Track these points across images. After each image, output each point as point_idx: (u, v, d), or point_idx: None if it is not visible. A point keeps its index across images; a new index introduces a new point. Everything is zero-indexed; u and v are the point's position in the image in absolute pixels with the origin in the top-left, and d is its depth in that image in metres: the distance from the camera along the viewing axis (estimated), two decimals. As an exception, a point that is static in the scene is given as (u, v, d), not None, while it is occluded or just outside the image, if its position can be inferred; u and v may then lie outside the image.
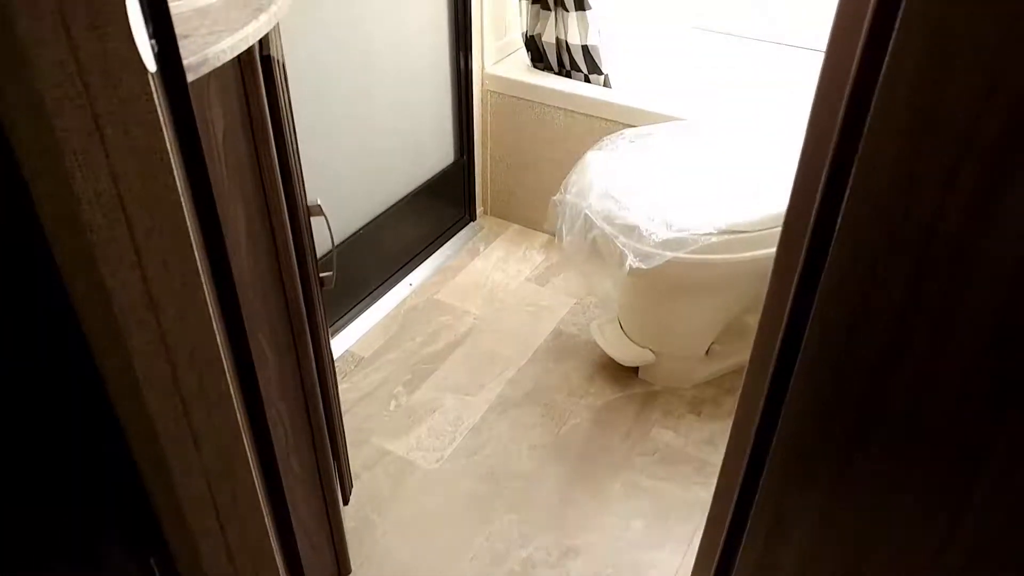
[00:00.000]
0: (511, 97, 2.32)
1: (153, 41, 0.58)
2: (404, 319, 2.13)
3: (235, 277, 1.00)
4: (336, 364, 1.99)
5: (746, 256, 1.62)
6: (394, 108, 2.06)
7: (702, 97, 2.56)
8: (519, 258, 2.37)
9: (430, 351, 2.03)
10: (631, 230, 1.61)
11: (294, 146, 1.18)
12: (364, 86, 1.93)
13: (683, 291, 1.78)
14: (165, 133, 0.60)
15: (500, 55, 2.37)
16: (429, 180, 2.28)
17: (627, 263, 1.60)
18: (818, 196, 0.68)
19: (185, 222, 0.65)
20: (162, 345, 0.69)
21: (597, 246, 1.70)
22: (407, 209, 2.22)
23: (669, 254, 1.58)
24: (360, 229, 2.06)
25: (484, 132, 2.43)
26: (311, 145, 1.81)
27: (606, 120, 2.17)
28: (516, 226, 2.51)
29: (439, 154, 2.31)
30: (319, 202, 1.14)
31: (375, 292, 2.18)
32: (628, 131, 1.90)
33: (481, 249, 2.41)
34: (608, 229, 1.64)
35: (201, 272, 0.68)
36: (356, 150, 1.97)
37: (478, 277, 2.29)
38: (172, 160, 0.61)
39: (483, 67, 2.32)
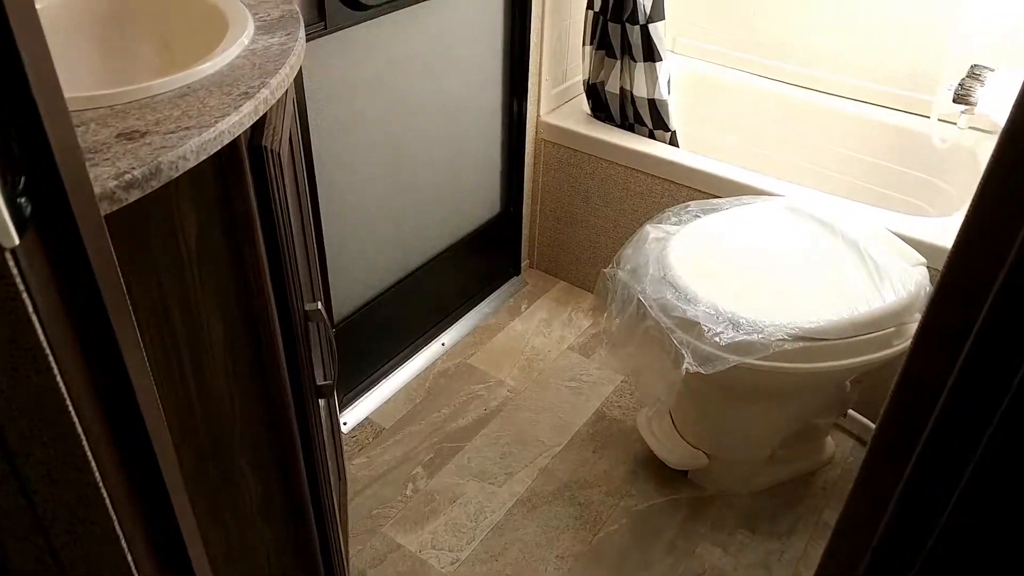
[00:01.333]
0: (566, 148, 2.13)
1: (23, 200, 0.41)
2: (432, 385, 1.95)
3: (208, 394, 0.82)
4: (354, 434, 1.82)
5: (824, 366, 1.39)
6: (440, 155, 1.88)
7: (787, 166, 2.32)
8: (563, 321, 2.17)
9: (457, 426, 1.84)
10: (691, 326, 1.40)
11: (312, 237, 1.01)
12: (409, 130, 1.76)
13: (748, 397, 1.56)
14: (36, 322, 0.42)
15: (557, 102, 2.18)
16: (473, 231, 2.10)
17: (684, 364, 1.38)
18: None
19: (75, 427, 0.47)
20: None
21: (650, 338, 1.49)
22: (447, 262, 2.05)
23: (734, 358, 1.36)
24: (395, 284, 1.89)
25: (535, 182, 2.24)
26: (347, 193, 1.65)
27: (670, 182, 1.96)
28: (563, 283, 2.31)
29: (485, 204, 2.13)
30: (320, 307, 0.96)
31: (405, 351, 2.00)
32: (694, 204, 1.69)
33: (523, 308, 2.22)
34: (664, 321, 1.43)
35: (101, 481, 0.50)
36: (396, 198, 1.80)
37: (517, 341, 2.09)
38: (48, 355, 0.44)
39: (538, 114, 2.13)
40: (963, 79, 1.83)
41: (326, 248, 1.64)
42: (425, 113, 1.79)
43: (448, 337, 2.09)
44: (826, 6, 2.15)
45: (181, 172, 0.65)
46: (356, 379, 1.88)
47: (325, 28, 1.45)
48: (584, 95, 2.15)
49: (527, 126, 2.10)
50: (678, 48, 2.47)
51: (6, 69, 0.39)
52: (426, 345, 2.05)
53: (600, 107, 2.12)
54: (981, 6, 1.87)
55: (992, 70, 1.82)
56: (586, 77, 2.10)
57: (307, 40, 1.38)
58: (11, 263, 0.39)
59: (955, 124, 1.96)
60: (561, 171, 2.17)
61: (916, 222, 1.70)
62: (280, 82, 0.78)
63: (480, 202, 2.11)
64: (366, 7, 1.50)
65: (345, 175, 1.64)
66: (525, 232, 2.30)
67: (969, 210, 0.54)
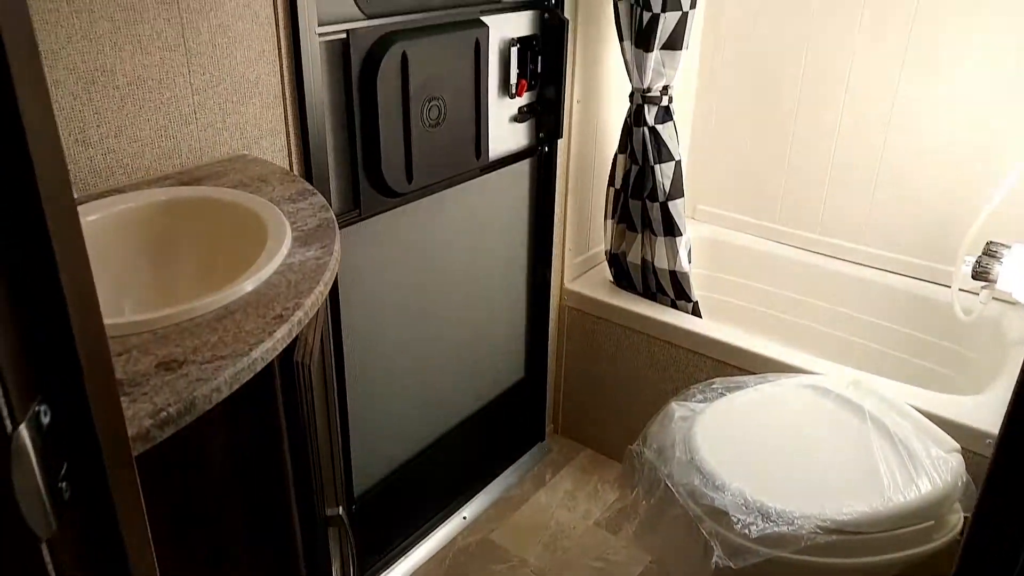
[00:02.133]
0: (590, 315, 2.16)
1: (64, 484, 0.42)
2: (451, 565, 1.89)
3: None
4: (370, 616, 1.75)
5: (860, 562, 1.33)
6: (465, 321, 1.92)
7: (809, 333, 2.34)
8: (589, 493, 2.12)
9: (478, 609, 1.77)
10: (720, 515, 1.36)
11: (338, 436, 1.02)
12: (435, 300, 1.80)
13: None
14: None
15: (580, 270, 2.24)
16: (495, 398, 2.10)
17: (713, 558, 1.33)
18: None
19: None
20: None
21: (678, 523, 1.45)
22: (470, 429, 2.03)
23: (765, 551, 1.31)
24: (417, 454, 1.88)
25: (559, 349, 2.26)
26: (373, 363, 1.67)
27: (694, 352, 1.97)
28: (589, 451, 2.28)
29: (509, 370, 2.14)
30: (340, 512, 0.95)
31: (425, 526, 1.95)
32: (719, 380, 1.68)
33: (547, 477, 2.17)
34: (693, 510, 1.39)
35: None
36: (421, 367, 1.82)
37: (541, 515, 2.04)
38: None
39: (562, 282, 2.18)
40: (980, 256, 1.86)
41: (349, 420, 1.64)
42: (451, 284, 1.84)
43: (470, 510, 2.04)
44: (843, 176, 2.23)
45: (215, 404, 0.67)
46: (373, 558, 1.82)
47: (359, 215, 1.53)
48: (607, 263, 2.20)
49: (551, 293, 2.14)
50: (698, 215, 2.55)
51: (58, 362, 0.41)
52: (447, 519, 2.00)
53: (623, 276, 2.16)
54: (997, 184, 1.93)
55: (1008, 247, 1.85)
56: (608, 248, 2.16)
57: (341, 227, 1.45)
58: (46, 555, 0.40)
59: (977, 295, 1.97)
60: (585, 338, 2.19)
61: (947, 401, 1.67)
62: (314, 302, 0.82)
63: (504, 368, 2.12)
64: (398, 194, 1.58)
65: (371, 346, 1.67)
66: (549, 398, 2.29)
67: (1015, 393, 0.53)
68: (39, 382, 0.41)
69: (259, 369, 0.72)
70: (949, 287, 2.05)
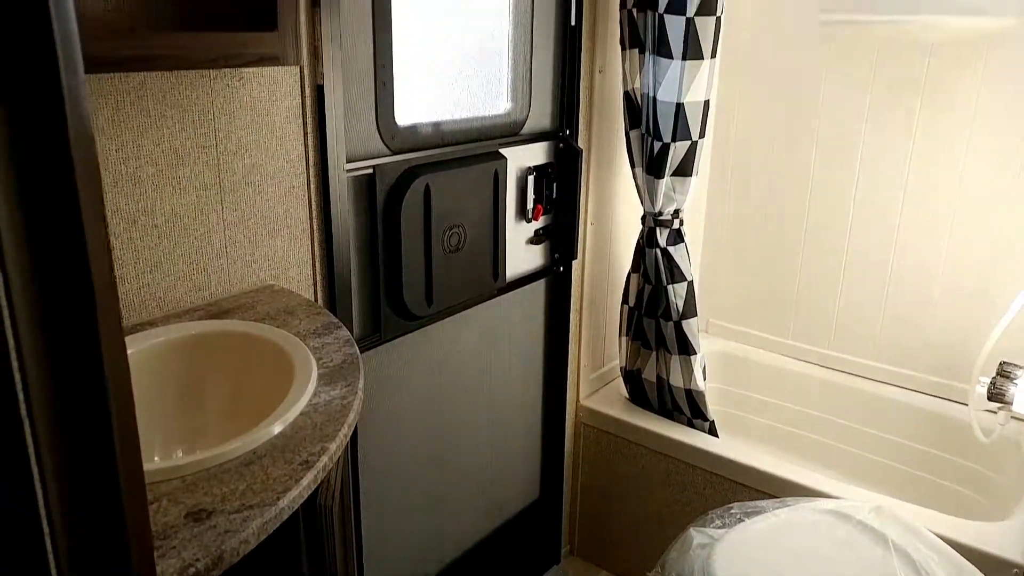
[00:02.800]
0: (606, 432, 2.15)
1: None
2: None
3: None
4: None
5: None
6: (480, 441, 1.92)
7: (826, 450, 2.32)
8: (606, 618, 2.05)
9: None
10: (742, 653, 1.32)
11: (355, 571, 1.01)
12: (451, 419, 1.81)
13: None
14: None
15: (596, 386, 2.25)
16: (510, 519, 2.08)
17: None
18: None
19: None
20: None
21: (699, 660, 1.40)
22: (483, 553, 2.00)
23: None
24: (428, 580, 1.84)
25: (574, 467, 2.24)
26: (388, 482, 1.66)
27: (712, 473, 1.95)
28: (605, 574, 2.22)
29: (523, 491, 2.12)
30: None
31: (437, 654, 1.89)
32: (738, 505, 1.66)
33: (563, 601, 2.12)
34: (713, 645, 1.35)
35: None
36: (435, 487, 1.81)
37: (557, 641, 1.97)
38: None
39: (577, 398, 2.19)
40: (994, 377, 1.86)
41: (364, 545, 1.62)
42: (467, 402, 1.86)
43: (483, 636, 1.98)
44: (853, 292, 2.26)
45: (242, 556, 0.68)
46: None
47: (380, 339, 1.56)
48: (622, 380, 2.21)
49: (567, 410, 2.15)
50: (711, 329, 2.57)
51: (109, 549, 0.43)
52: (460, 646, 1.94)
53: (638, 393, 2.17)
54: (1008, 302, 1.95)
55: (1021, 368, 1.85)
56: (623, 364, 2.18)
57: (362, 351, 1.48)
58: None
59: (995, 413, 1.96)
60: (601, 456, 2.18)
61: (972, 528, 1.64)
62: (339, 445, 0.84)
63: (519, 489, 2.10)
64: (418, 317, 1.62)
65: (386, 469, 1.67)
66: (565, 518, 2.26)
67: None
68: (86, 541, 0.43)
69: (285, 517, 0.73)
70: (967, 405, 2.04)
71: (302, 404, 0.91)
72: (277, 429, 0.86)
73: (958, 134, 2.02)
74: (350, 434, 0.89)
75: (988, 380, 1.87)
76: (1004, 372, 1.85)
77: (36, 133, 0.38)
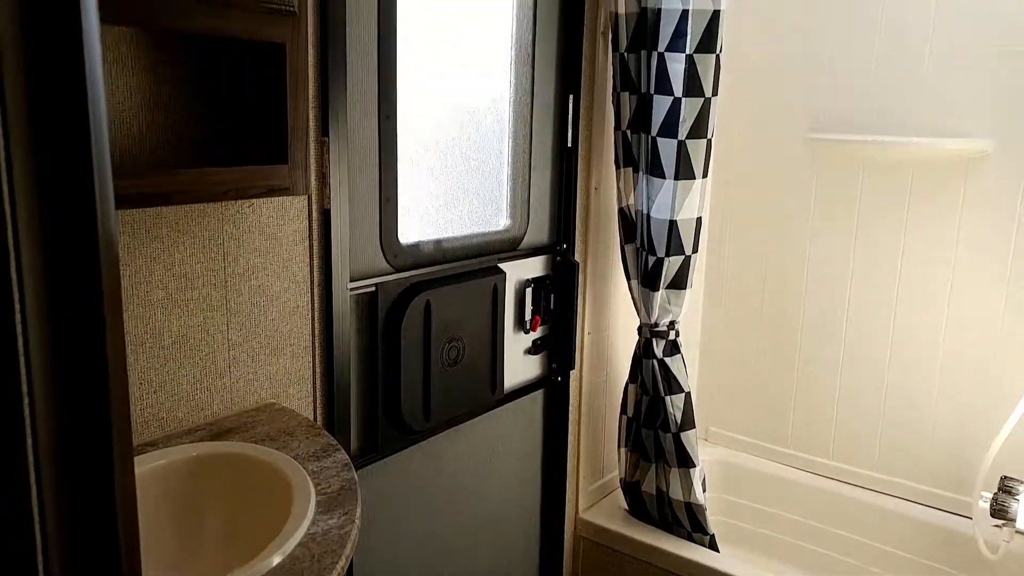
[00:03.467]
0: (605, 547, 2.12)
1: None
2: None
3: None
4: None
5: None
6: (475, 556, 1.88)
7: (828, 563, 2.27)
8: None
9: None
10: None
11: None
12: (447, 532, 1.79)
13: None
14: None
15: (595, 498, 2.23)
16: (508, 637, 2.02)
17: None
18: None
19: None
20: None
21: None
22: (479, 675, 1.93)
23: None
24: None
25: (574, 581, 2.20)
26: (377, 615, 1.62)
27: (713, 590, 1.91)
28: None
29: (522, 606, 2.07)
30: None
31: None
32: (740, 628, 1.62)
33: None
34: None
35: None
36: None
37: None
38: None
39: (576, 511, 2.17)
40: (996, 493, 1.85)
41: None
42: (464, 515, 1.83)
43: None
44: (851, 402, 2.27)
45: None
46: None
47: (378, 455, 1.56)
48: (622, 492, 2.19)
49: (565, 523, 2.12)
50: (711, 438, 2.56)
51: None
52: None
53: (638, 505, 2.15)
54: (1008, 418, 1.96)
55: (1023, 483, 1.84)
56: (623, 475, 2.16)
57: (359, 468, 1.49)
58: None
59: (1000, 528, 1.93)
60: (600, 570, 2.13)
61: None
62: (336, 578, 0.84)
63: (517, 604, 2.05)
64: (416, 432, 1.63)
65: (383, 590, 1.64)
66: (564, 635, 2.19)
67: None
68: None
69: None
70: (971, 518, 2.02)
71: (300, 534, 0.91)
72: (276, 561, 0.86)
73: (947, 248, 2.08)
74: (347, 565, 0.89)
75: (991, 496, 1.85)
76: (1006, 487, 1.84)
77: (71, 275, 0.42)
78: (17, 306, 0.40)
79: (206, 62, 1.17)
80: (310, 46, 1.28)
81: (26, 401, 0.40)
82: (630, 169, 1.98)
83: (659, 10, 1.80)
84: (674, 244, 1.92)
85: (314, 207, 1.37)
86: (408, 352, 1.56)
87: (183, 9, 0.98)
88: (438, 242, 1.66)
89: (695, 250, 1.97)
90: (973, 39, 2.00)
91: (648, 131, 1.88)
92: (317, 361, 1.42)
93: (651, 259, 1.94)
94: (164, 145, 1.15)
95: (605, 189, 2.08)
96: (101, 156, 0.43)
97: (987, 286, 2.03)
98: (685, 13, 1.76)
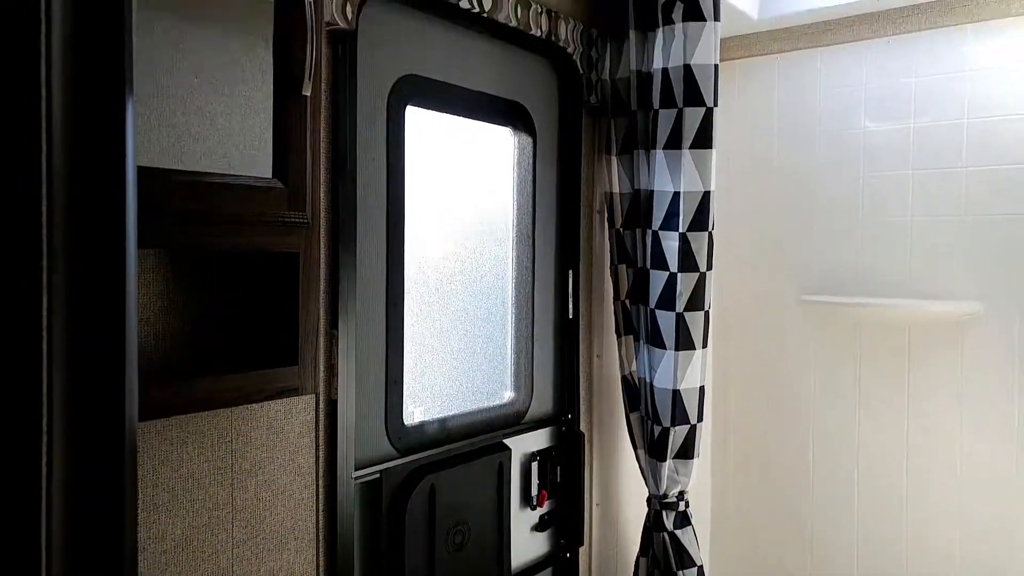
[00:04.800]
0: None
1: None
2: None
3: None
4: None
5: None
6: None
7: None
8: None
9: None
10: None
11: None
12: None
13: None
14: None
15: None
16: None
17: None
18: None
19: None
20: None
21: None
22: None
23: None
24: None
25: None
26: None
27: None
28: None
29: None
30: None
31: None
32: None
33: None
34: None
35: None
36: None
37: None
38: None
39: None
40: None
41: None
42: None
43: None
44: (869, 565, 2.19)
45: None
46: None
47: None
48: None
49: None
50: (727, 610, 2.45)
51: None
52: None
53: None
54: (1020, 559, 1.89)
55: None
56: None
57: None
58: None
59: None
60: None
61: None
62: None
63: None
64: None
65: None
66: None
67: None
68: None
69: None
70: None
71: None
72: None
73: (951, 407, 2.08)
74: None
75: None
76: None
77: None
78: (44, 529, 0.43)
79: (222, 270, 1.22)
80: (323, 247, 1.34)
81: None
82: (631, 337, 2.02)
83: (651, 192, 1.90)
84: (679, 414, 1.92)
85: (321, 399, 1.39)
86: (412, 539, 1.53)
87: (208, 231, 1.04)
88: (443, 421, 1.66)
89: (700, 419, 1.97)
90: (952, 206, 2.09)
91: (647, 303, 1.93)
92: (321, 554, 1.39)
93: (657, 429, 1.94)
94: (179, 348, 1.18)
95: (607, 357, 2.10)
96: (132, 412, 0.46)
97: (996, 443, 2.01)
98: (677, 195, 1.86)
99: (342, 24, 1.35)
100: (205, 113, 1.05)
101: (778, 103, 2.38)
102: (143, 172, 0.95)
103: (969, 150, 2.07)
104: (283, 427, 1.33)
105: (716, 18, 1.83)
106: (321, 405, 1.39)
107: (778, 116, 2.38)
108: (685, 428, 1.94)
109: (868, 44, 2.22)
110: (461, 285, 1.76)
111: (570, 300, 2.00)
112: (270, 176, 1.11)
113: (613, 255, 2.03)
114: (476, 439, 1.72)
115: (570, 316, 2.00)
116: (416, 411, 1.62)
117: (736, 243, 2.42)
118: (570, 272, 2.00)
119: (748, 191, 2.43)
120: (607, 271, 2.08)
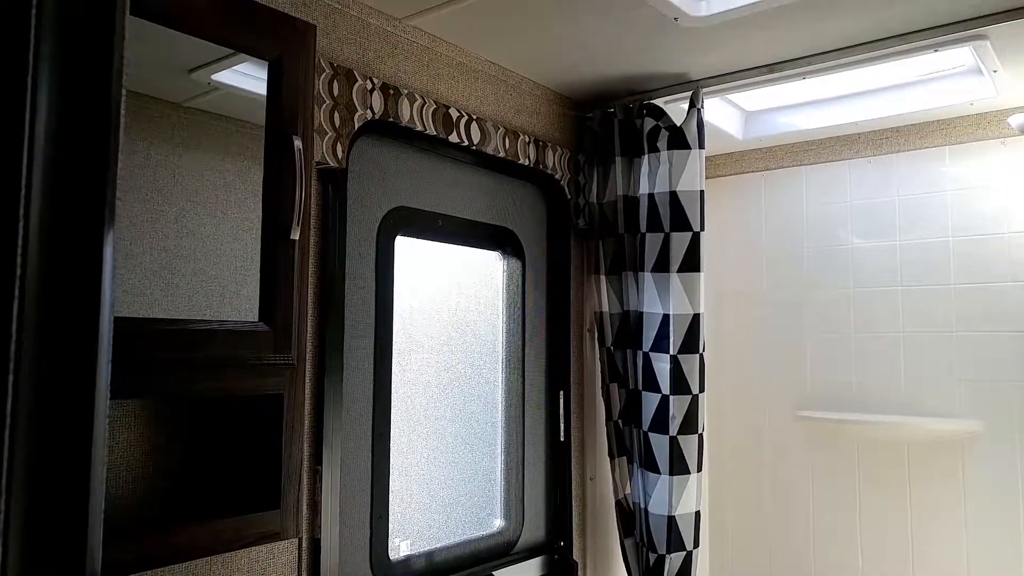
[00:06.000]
0: None
1: None
2: None
3: None
4: None
5: None
6: None
7: None
8: None
9: None
10: None
11: None
12: None
13: None
14: None
15: None
16: None
17: None
18: None
19: None
20: None
21: None
22: None
23: None
24: None
25: None
26: None
27: None
28: None
29: None
30: None
31: None
32: None
33: None
34: None
35: None
36: None
37: None
38: None
39: None
40: None
41: None
42: None
43: None
44: None
45: None
46: None
47: None
48: None
49: None
50: None
51: None
52: None
53: None
54: None
55: None
56: None
57: None
58: None
59: None
60: None
61: None
62: None
63: None
64: None
65: None
66: None
67: None
68: None
69: None
70: None
71: None
72: None
73: (957, 526, 2.02)
74: None
75: None
76: None
77: None
78: None
79: (205, 411, 1.21)
80: (308, 383, 1.33)
81: None
82: (624, 459, 1.98)
83: (641, 313, 1.91)
84: (674, 540, 1.86)
85: (304, 538, 1.35)
86: None
87: (191, 377, 1.03)
88: (429, 555, 1.61)
89: (696, 545, 1.91)
90: (942, 322, 2.10)
91: (640, 425, 1.90)
92: None
93: (652, 556, 1.88)
94: (159, 491, 1.15)
95: (600, 479, 2.06)
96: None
97: (1003, 569, 1.95)
98: (667, 317, 1.87)
99: (332, 163, 1.39)
100: (198, 235, 1.05)
101: (766, 218, 2.43)
102: (126, 323, 0.96)
103: (957, 267, 2.10)
104: (265, 568, 1.28)
105: (701, 146, 1.88)
106: (303, 544, 1.35)
107: (766, 232, 2.42)
108: (681, 555, 1.88)
109: (850, 163, 2.28)
110: (450, 410, 1.74)
111: (561, 422, 1.97)
112: (256, 320, 1.12)
113: (605, 374, 2.02)
114: (464, 573, 1.66)
115: (561, 439, 1.97)
116: (402, 544, 1.57)
117: (728, 362, 2.42)
118: (561, 393, 1.98)
119: (738, 309, 2.44)
120: (599, 391, 2.06)
